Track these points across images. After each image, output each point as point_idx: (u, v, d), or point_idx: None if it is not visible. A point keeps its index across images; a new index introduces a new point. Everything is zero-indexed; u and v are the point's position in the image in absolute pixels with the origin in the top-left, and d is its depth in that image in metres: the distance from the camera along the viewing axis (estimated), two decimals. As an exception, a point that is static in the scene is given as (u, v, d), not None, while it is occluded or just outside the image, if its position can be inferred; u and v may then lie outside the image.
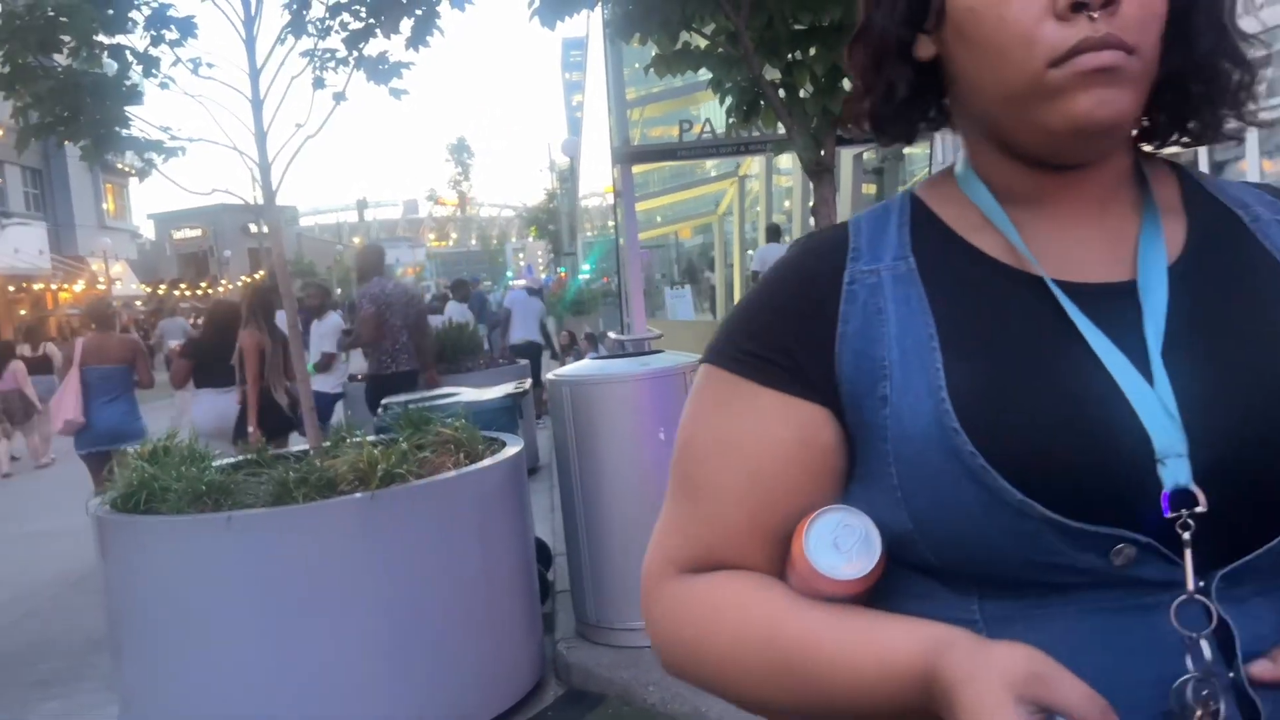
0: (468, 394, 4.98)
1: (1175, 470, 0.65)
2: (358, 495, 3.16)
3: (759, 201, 17.77)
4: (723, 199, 21.60)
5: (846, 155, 12.45)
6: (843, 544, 0.71)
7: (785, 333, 0.78)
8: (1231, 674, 0.65)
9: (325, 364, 7.61)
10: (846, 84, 4.50)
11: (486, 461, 3.57)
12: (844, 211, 10.23)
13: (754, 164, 16.92)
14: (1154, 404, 0.67)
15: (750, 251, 17.55)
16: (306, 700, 3.10)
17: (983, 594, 0.71)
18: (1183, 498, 0.65)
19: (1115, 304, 0.72)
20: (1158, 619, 0.66)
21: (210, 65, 3.40)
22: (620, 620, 3.82)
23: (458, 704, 3.33)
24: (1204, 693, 0.64)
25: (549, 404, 4.21)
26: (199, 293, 36.15)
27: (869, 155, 12.68)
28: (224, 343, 5.90)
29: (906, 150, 11.78)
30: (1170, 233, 0.75)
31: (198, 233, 48.58)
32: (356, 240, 68.03)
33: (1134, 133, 0.79)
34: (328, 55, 3.64)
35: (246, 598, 3.08)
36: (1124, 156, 0.78)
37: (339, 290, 36.21)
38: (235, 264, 46.39)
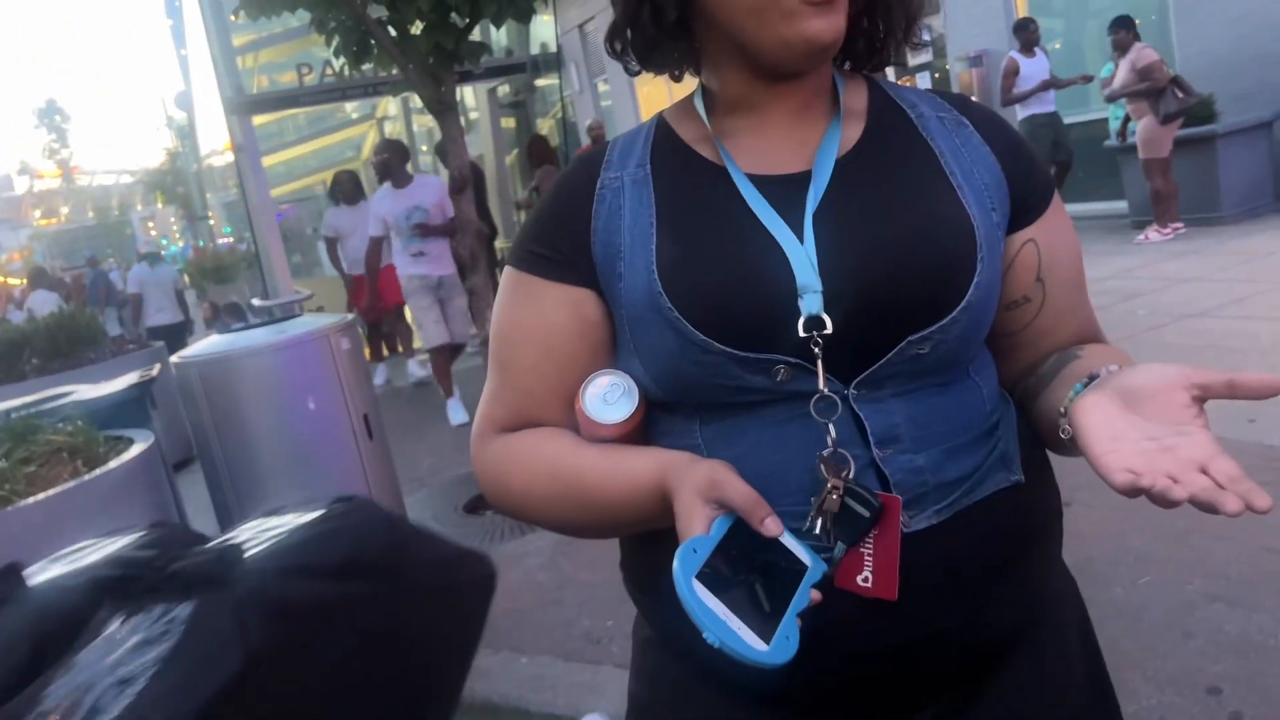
0: (83, 391, 4.42)
1: (810, 302, 0.86)
2: (-52, 531, 2.71)
3: (403, 144, 17.20)
4: (365, 143, 20.68)
5: (481, 91, 12.33)
6: (610, 398, 0.93)
7: (555, 232, 0.98)
8: (869, 453, 0.87)
9: None
10: (455, 18, 4.41)
11: (111, 464, 3.20)
12: (483, 147, 10.14)
13: (392, 105, 16.31)
14: (800, 255, 0.87)
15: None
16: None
17: (702, 421, 0.92)
18: (815, 322, 0.86)
19: (791, 189, 0.91)
20: (811, 421, 0.87)
21: None
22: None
23: None
24: (835, 464, 0.86)
25: (180, 389, 3.84)
26: None
27: (504, 90, 12.64)
28: None
29: (539, 83, 11.85)
30: (850, 130, 0.96)
31: None
32: (-61, 227, 58.01)
33: (836, 55, 0.98)
34: None
35: None
36: (824, 73, 0.98)
37: (-76, 287, 30.88)
38: None
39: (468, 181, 4.45)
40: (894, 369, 0.88)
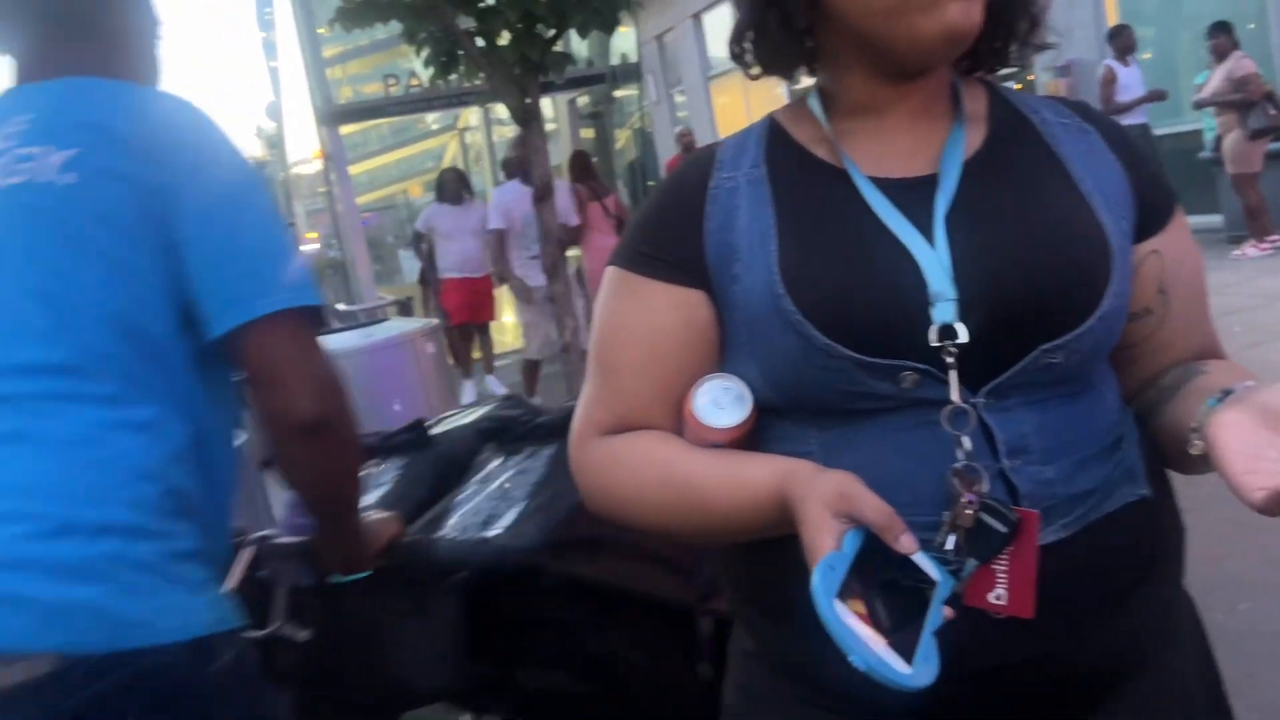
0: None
1: (943, 310, 0.84)
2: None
3: (483, 156, 17.47)
4: (445, 154, 21.07)
5: (561, 102, 12.47)
6: (721, 402, 0.91)
7: (665, 233, 0.95)
8: (997, 464, 0.85)
9: None
10: (541, 29, 4.47)
11: (206, 460, 3.30)
12: (562, 158, 10.25)
13: (472, 116, 16.59)
14: (932, 260, 0.85)
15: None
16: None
17: (818, 427, 0.89)
18: (948, 331, 0.83)
19: (916, 192, 0.89)
20: (939, 430, 0.84)
21: None
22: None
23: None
24: (969, 477, 0.83)
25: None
26: None
27: (583, 101, 12.76)
28: None
29: (617, 94, 11.95)
30: (973, 134, 0.93)
31: None
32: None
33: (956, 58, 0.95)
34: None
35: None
36: (945, 74, 0.95)
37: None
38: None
39: (551, 190, 4.52)
40: (1023, 378, 0.86)
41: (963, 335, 0.83)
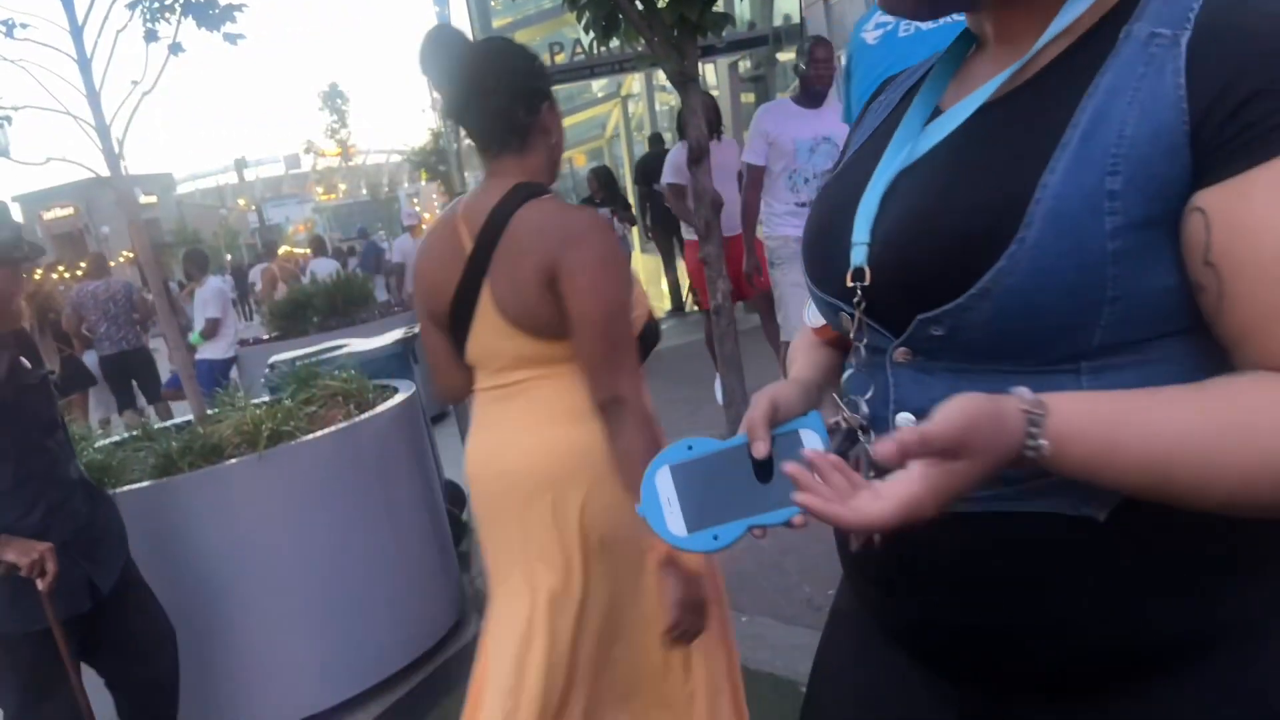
0: (355, 344, 4.89)
1: (857, 254, 0.84)
2: (245, 458, 3.10)
3: (644, 125, 17.53)
4: (609, 121, 21.30)
5: (722, 66, 12.37)
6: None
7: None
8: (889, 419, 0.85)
9: (211, 330, 7.39)
10: (699, -10, 4.45)
11: (379, 408, 3.53)
12: (725, 121, 10.24)
13: (635, 83, 16.68)
14: (868, 203, 0.85)
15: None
16: (219, 671, 3.08)
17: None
18: (859, 274, 0.84)
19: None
20: (877, 373, 0.86)
21: (24, 26, 3.17)
22: (533, 549, 3.84)
23: (378, 652, 3.34)
24: (852, 432, 0.85)
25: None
26: (79, 273, 34.35)
27: (745, 65, 12.61)
28: None
29: (780, 57, 11.74)
30: (1034, 65, 0.81)
31: (69, 211, 46.02)
32: (241, 202, 65.40)
33: None
34: (155, 4, 3.43)
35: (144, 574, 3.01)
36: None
37: (228, 256, 34.77)
38: (115, 240, 44.17)
39: (705, 152, 4.52)
40: (921, 345, 0.82)
41: (867, 279, 0.84)
